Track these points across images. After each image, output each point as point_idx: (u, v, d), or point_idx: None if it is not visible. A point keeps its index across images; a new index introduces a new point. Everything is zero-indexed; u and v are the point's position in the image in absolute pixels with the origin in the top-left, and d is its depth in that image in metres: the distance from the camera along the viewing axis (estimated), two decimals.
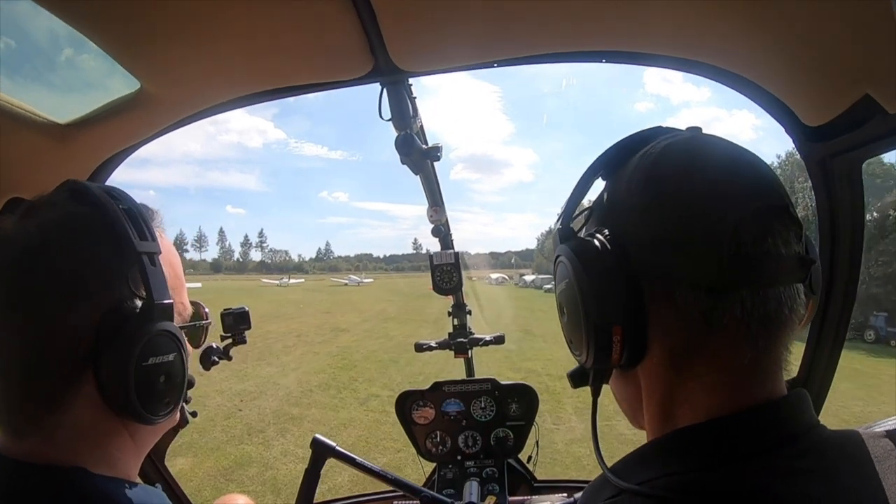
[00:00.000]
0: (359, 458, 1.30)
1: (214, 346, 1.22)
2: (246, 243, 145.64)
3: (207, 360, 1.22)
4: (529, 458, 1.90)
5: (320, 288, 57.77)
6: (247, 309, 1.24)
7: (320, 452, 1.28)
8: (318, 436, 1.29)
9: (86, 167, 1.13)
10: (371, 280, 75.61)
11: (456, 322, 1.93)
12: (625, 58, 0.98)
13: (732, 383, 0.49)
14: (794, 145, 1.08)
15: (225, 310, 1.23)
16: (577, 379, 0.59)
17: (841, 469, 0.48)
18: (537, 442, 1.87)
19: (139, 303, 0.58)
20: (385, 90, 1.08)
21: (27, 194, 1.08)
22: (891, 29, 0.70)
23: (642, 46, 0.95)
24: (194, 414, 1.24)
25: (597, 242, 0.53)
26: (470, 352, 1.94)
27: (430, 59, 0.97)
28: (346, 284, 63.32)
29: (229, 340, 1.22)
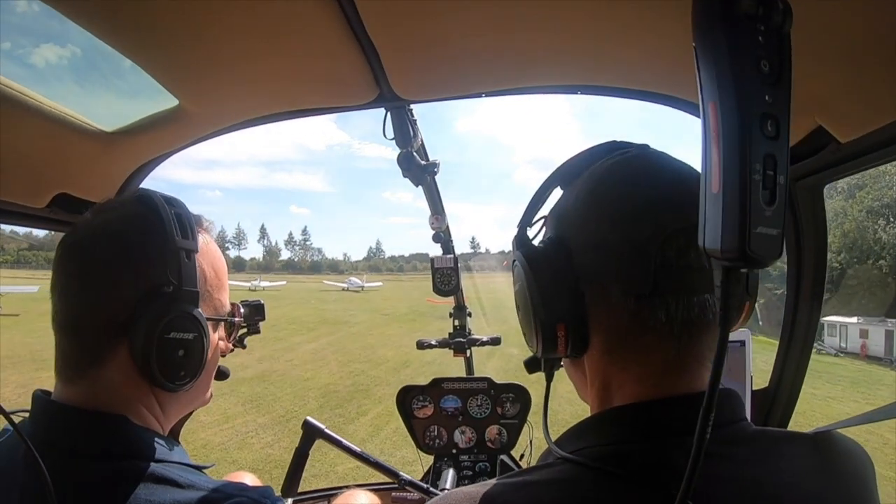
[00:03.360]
0: (345, 441, 1.38)
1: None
2: (290, 241, 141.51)
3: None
4: (522, 455, 1.97)
5: (285, 296, 45.52)
6: (262, 302, 1.36)
7: (310, 433, 1.35)
8: (309, 418, 1.37)
9: (125, 170, 1.26)
10: (379, 284, 65.60)
11: (456, 323, 2.04)
12: (600, 90, 1.09)
13: (659, 374, 0.54)
14: None
15: (242, 301, 1.35)
16: (531, 366, 0.68)
17: (749, 457, 0.52)
18: (531, 441, 1.93)
19: (171, 288, 0.69)
20: (389, 114, 1.22)
21: (73, 190, 1.23)
22: (839, 63, 0.78)
23: (615, 81, 1.06)
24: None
25: (545, 249, 0.59)
26: (468, 351, 2.04)
27: (426, 90, 1.10)
28: (344, 289, 55.04)
29: (244, 330, 1.35)
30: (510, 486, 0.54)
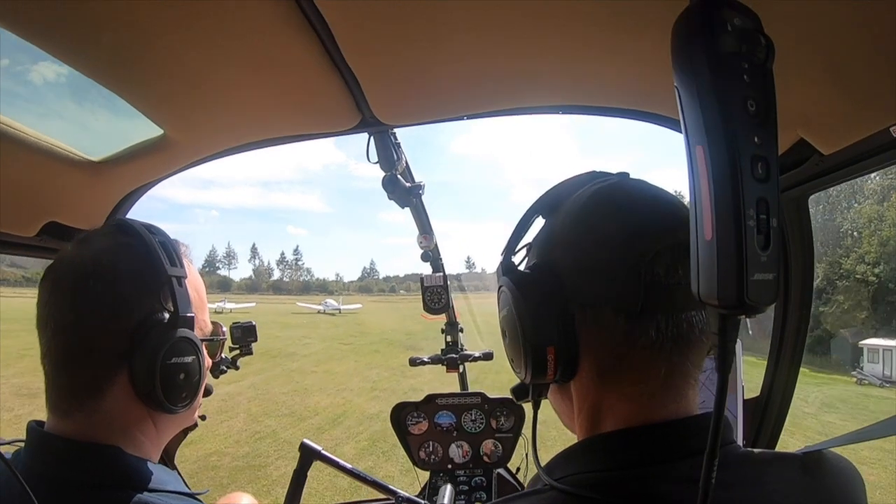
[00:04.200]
0: (342, 462, 1.39)
1: (224, 356, 1.35)
2: (282, 261, 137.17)
3: (216, 370, 1.34)
4: (518, 468, 1.97)
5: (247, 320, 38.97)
6: (254, 323, 1.36)
7: (307, 455, 1.37)
8: (305, 440, 1.38)
9: (113, 198, 1.28)
10: (358, 306, 57.36)
11: (448, 339, 2.04)
12: (581, 110, 1.10)
13: (648, 394, 0.55)
14: None
15: (234, 323, 1.35)
16: (518, 394, 0.66)
17: (737, 482, 0.52)
18: (526, 454, 1.93)
19: (167, 315, 0.72)
20: (372, 138, 1.23)
21: (63, 219, 1.24)
22: (820, 77, 0.79)
23: (596, 101, 1.07)
24: (203, 417, 1.36)
25: (533, 274, 0.60)
26: (461, 367, 2.04)
27: (407, 115, 1.11)
28: (319, 311, 49.06)
29: (237, 352, 1.35)
30: None
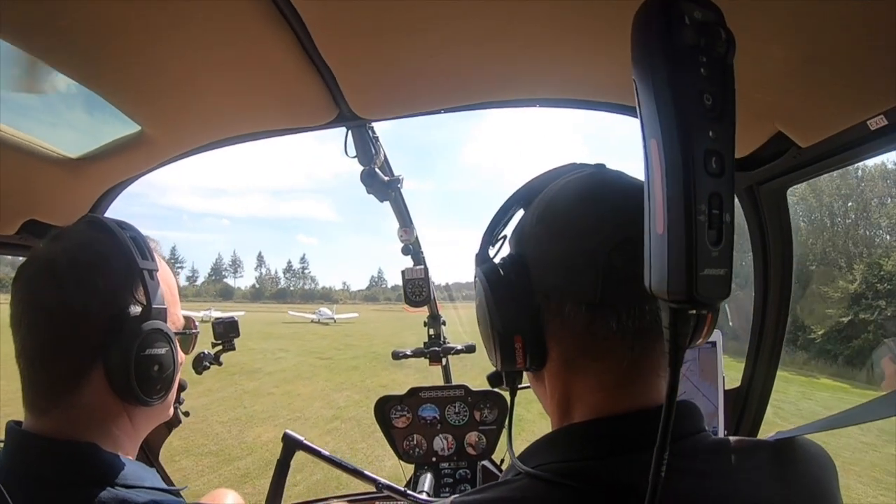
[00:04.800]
0: (324, 451, 1.40)
1: (206, 352, 1.35)
2: (289, 269, 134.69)
3: (199, 365, 1.35)
4: (503, 460, 1.97)
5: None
6: (236, 318, 1.37)
7: (290, 446, 1.37)
8: (288, 431, 1.39)
9: (92, 195, 1.28)
10: (354, 315, 53.55)
11: (431, 332, 2.04)
12: (558, 103, 1.10)
13: (615, 385, 0.55)
14: None
15: (216, 319, 1.35)
16: (493, 380, 0.68)
17: (707, 470, 0.53)
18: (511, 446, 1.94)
19: (139, 308, 0.73)
20: (350, 133, 1.23)
21: (42, 216, 1.23)
22: (797, 71, 0.80)
23: (572, 93, 1.07)
24: (187, 413, 1.36)
25: (503, 265, 0.61)
26: (444, 360, 2.05)
27: (384, 108, 1.11)
28: (313, 321, 44.82)
29: (220, 347, 1.35)
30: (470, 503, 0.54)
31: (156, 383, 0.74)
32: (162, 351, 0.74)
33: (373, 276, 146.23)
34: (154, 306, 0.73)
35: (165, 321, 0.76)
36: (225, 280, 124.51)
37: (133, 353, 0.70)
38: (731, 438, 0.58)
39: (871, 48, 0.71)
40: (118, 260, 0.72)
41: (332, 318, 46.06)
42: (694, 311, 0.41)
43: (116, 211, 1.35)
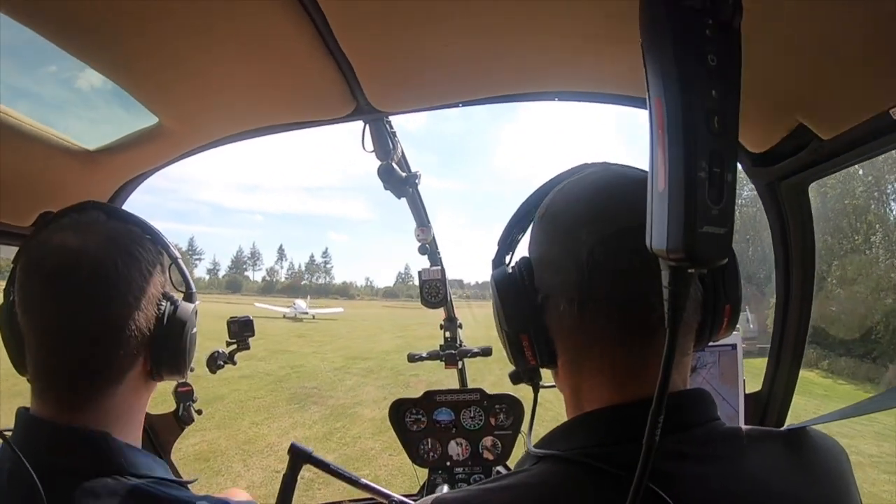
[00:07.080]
0: (332, 465, 1.34)
1: (220, 351, 1.34)
2: (311, 264, 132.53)
3: (214, 364, 1.34)
4: None
5: None
6: (251, 318, 1.36)
7: (297, 458, 1.31)
8: (295, 442, 1.33)
9: (109, 187, 1.28)
10: (339, 310, 44.76)
11: (447, 335, 2.01)
12: (577, 96, 1.09)
13: (619, 379, 0.55)
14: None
15: (231, 318, 1.34)
16: (513, 378, 0.71)
17: (721, 457, 0.53)
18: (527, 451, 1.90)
19: (178, 294, 0.79)
20: (367, 126, 1.23)
21: (58, 209, 1.24)
22: (818, 61, 0.79)
23: (592, 87, 1.07)
24: (199, 412, 1.35)
25: (508, 269, 0.63)
26: (460, 363, 2.02)
27: (402, 101, 1.11)
28: (286, 315, 36.13)
29: (234, 346, 1.34)
30: (491, 490, 0.55)
31: (191, 358, 0.81)
32: (195, 329, 0.80)
33: (399, 273, 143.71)
34: (190, 290, 0.82)
35: (194, 301, 0.81)
36: (245, 273, 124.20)
37: (188, 334, 0.76)
38: (744, 427, 0.58)
39: (892, 35, 0.70)
40: (155, 248, 0.77)
41: (307, 313, 37.46)
42: (693, 271, 0.41)
43: (142, 204, 1.35)
